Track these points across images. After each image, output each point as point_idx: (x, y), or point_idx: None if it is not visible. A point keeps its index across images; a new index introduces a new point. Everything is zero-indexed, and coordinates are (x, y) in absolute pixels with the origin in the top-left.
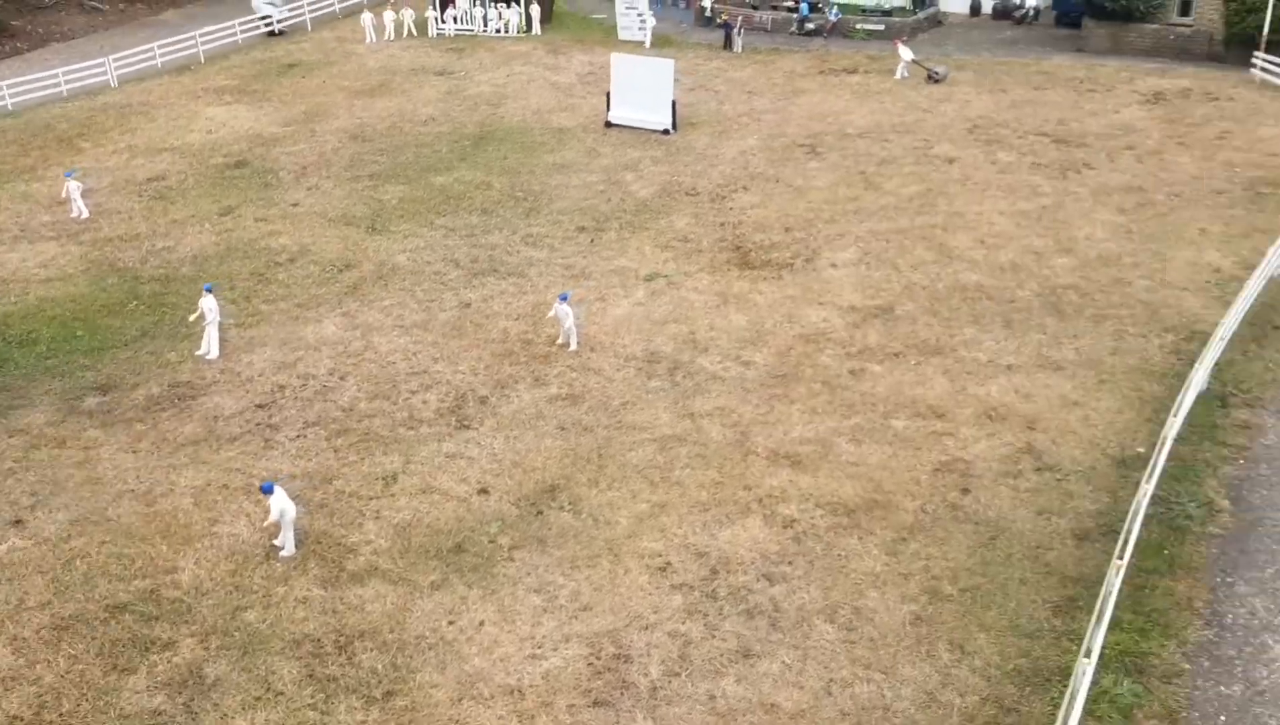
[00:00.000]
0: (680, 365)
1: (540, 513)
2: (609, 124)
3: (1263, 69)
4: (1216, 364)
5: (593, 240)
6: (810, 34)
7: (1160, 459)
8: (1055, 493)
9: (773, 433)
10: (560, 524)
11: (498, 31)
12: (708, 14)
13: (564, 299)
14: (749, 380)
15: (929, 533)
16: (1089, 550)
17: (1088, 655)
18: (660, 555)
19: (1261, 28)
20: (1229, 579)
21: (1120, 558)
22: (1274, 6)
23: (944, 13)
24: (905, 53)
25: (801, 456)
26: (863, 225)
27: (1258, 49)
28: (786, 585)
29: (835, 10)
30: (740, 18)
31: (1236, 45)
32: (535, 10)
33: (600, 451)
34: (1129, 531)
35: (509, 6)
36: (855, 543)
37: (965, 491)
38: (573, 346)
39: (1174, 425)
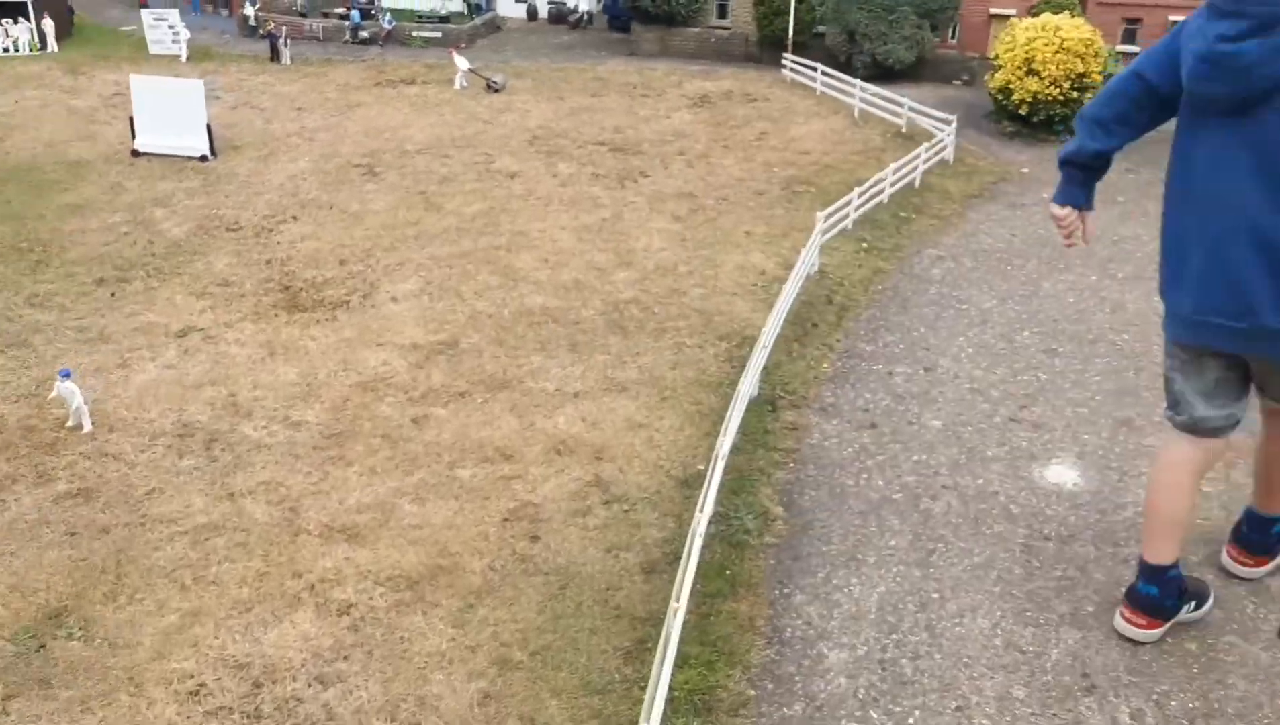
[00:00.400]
0: (218, 436)
1: (43, 646)
2: (136, 153)
3: (791, 69)
4: (765, 368)
5: (114, 293)
6: (365, 43)
7: (715, 475)
8: (623, 525)
9: (327, 504)
10: (69, 656)
11: (5, 51)
12: (252, 23)
13: (65, 376)
14: (299, 444)
15: (498, 593)
16: (657, 584)
17: (648, 722)
18: (192, 676)
19: (788, 29)
20: (786, 590)
21: (677, 600)
22: (795, 10)
23: (502, 18)
24: (461, 62)
25: (359, 527)
26: (425, 251)
27: (786, 50)
28: (342, 686)
29: (389, 18)
30: (286, 28)
31: (769, 46)
32: (49, 25)
33: (119, 556)
34: (687, 562)
35: (16, 22)
36: (419, 620)
37: (535, 539)
38: (86, 428)
39: (726, 438)
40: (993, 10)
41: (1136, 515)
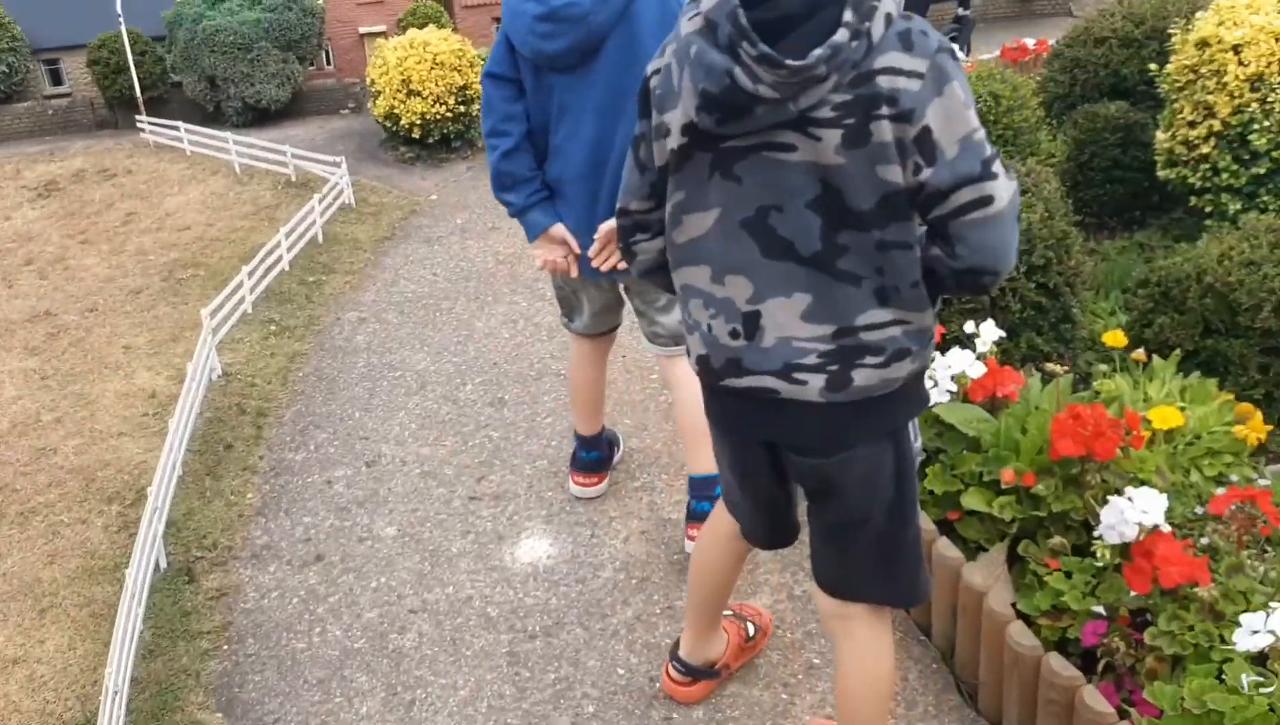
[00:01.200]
0: None
1: None
2: None
3: (151, 131)
4: (172, 524)
5: None
6: None
7: (117, 707)
8: None
9: None
10: None
11: None
12: None
13: None
14: None
15: None
16: None
17: None
18: None
19: (135, 88)
20: None
21: None
22: (139, 65)
23: None
24: None
25: None
26: None
27: (139, 111)
28: None
29: None
30: None
31: (121, 108)
32: None
33: None
34: None
35: None
36: None
37: None
38: None
39: (125, 649)
40: (362, 29)
41: (616, 572)
